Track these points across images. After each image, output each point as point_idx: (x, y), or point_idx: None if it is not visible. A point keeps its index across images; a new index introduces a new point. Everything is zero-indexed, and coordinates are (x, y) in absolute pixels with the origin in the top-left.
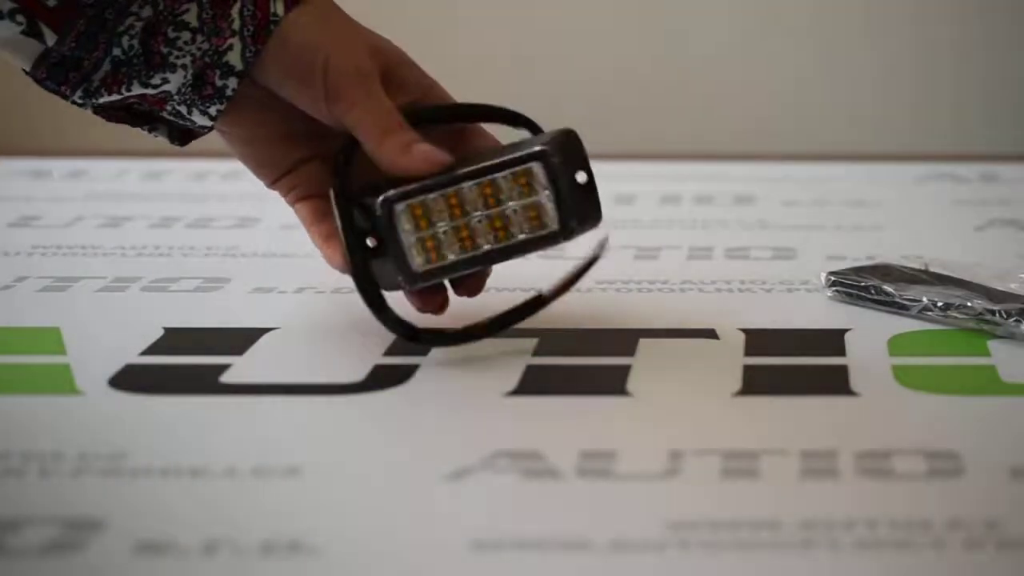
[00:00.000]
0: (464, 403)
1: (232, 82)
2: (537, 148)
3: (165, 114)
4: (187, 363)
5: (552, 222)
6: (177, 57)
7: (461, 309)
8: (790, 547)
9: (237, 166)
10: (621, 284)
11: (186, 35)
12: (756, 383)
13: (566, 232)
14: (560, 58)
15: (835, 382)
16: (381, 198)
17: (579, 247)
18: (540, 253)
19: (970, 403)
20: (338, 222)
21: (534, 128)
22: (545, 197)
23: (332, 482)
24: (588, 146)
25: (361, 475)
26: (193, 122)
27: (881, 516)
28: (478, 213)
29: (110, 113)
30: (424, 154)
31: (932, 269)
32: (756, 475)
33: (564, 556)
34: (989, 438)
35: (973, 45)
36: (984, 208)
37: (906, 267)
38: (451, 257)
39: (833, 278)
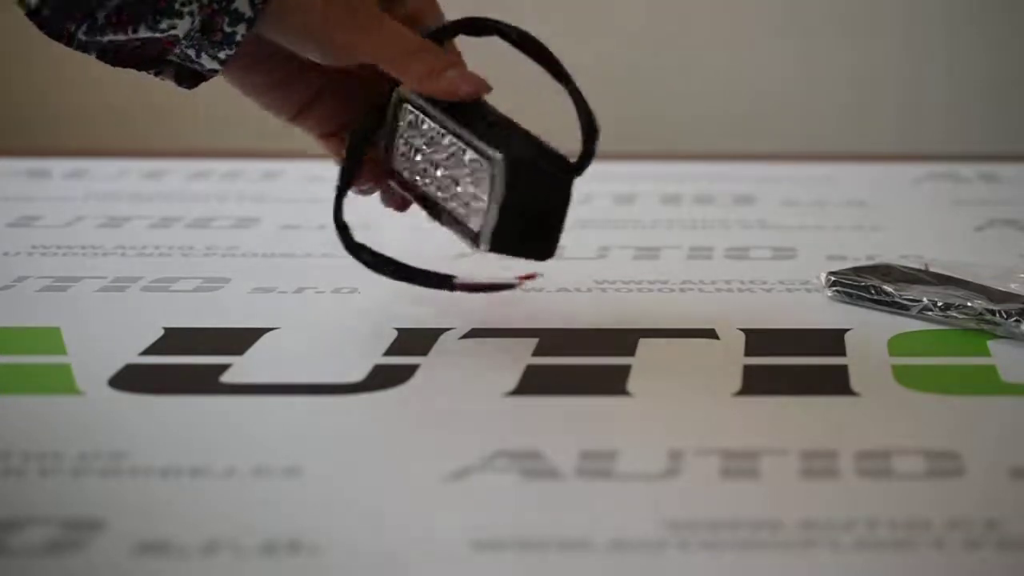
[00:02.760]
0: (464, 403)
1: (241, 28)
2: (498, 154)
3: (173, 56)
4: (187, 363)
5: (473, 223)
6: (183, 4)
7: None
8: (790, 547)
9: (237, 166)
10: (621, 284)
11: None
12: (756, 383)
13: (476, 241)
14: (560, 58)
15: (835, 382)
16: (398, 89)
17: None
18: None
19: (970, 403)
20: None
21: (579, 98)
22: (480, 197)
23: (332, 482)
24: None
25: (361, 475)
26: (202, 65)
27: (881, 516)
28: (441, 163)
29: (114, 56)
30: (459, 78)
31: (932, 269)
32: (756, 475)
33: (564, 556)
34: (989, 438)
35: (973, 45)
36: (984, 208)
37: (906, 267)
38: (415, 178)
39: (833, 278)
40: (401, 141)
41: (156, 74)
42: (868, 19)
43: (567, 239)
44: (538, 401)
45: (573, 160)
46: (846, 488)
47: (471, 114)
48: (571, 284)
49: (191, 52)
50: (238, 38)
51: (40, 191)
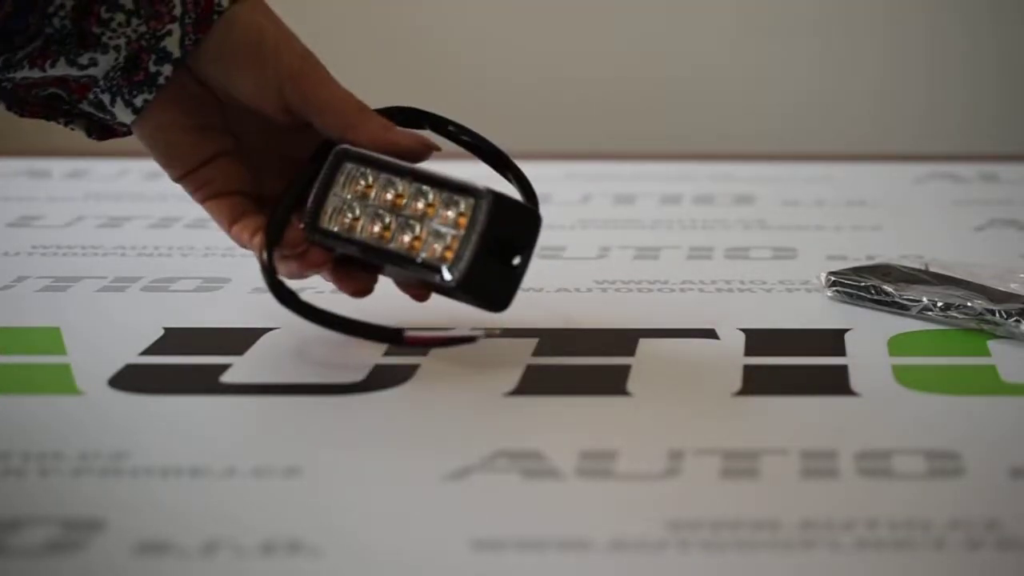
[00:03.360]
0: (464, 403)
1: (167, 69)
2: (484, 189)
3: (86, 104)
4: (187, 363)
5: (442, 262)
6: (111, 38)
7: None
8: (790, 547)
9: None
10: (621, 284)
11: (120, 16)
12: (756, 383)
13: (444, 283)
14: (560, 58)
15: (835, 382)
16: (340, 147)
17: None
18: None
19: (970, 403)
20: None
21: (521, 179)
22: (454, 234)
23: (332, 482)
24: (588, 146)
25: (361, 475)
26: (114, 115)
27: (881, 516)
28: (388, 207)
29: (24, 106)
30: (410, 136)
31: (932, 269)
32: (756, 475)
33: (564, 556)
34: (989, 438)
35: (973, 45)
36: (984, 208)
37: (906, 267)
38: (353, 235)
39: (833, 278)
40: (335, 198)
41: (66, 123)
42: (868, 22)
43: (567, 239)
44: (538, 401)
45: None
46: (846, 488)
47: (416, 168)
48: (571, 284)
49: (105, 98)
50: (160, 80)
51: (40, 191)
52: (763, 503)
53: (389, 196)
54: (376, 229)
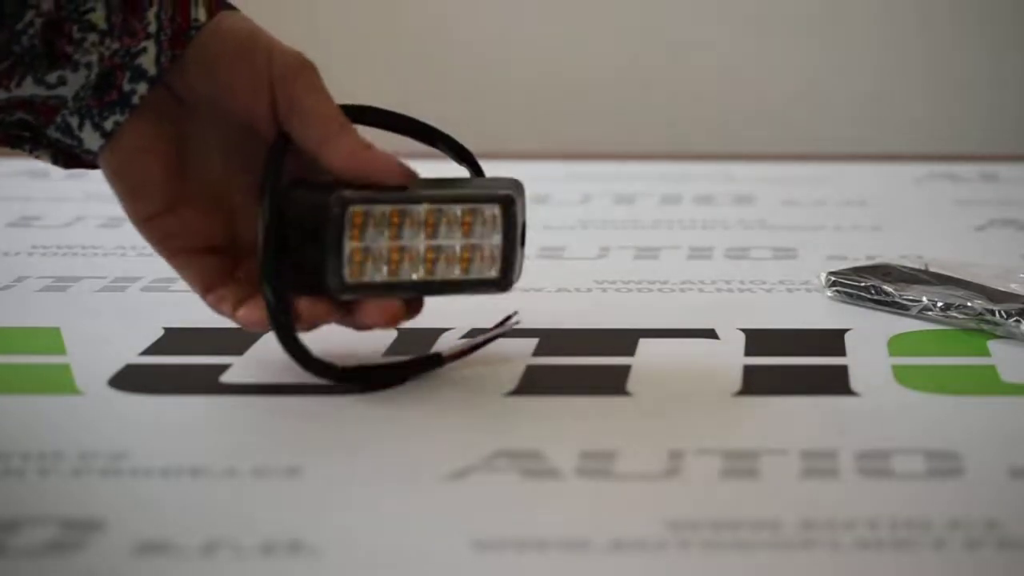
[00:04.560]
0: (464, 403)
1: (142, 87)
2: (502, 192)
3: (52, 129)
4: (187, 363)
5: (493, 269)
6: (82, 56)
7: (359, 342)
8: (790, 547)
9: None
10: (621, 284)
11: (93, 36)
12: (756, 383)
13: (504, 283)
14: (561, 58)
15: (835, 382)
16: (340, 194)
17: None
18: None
19: (970, 403)
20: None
21: (477, 169)
22: (494, 243)
23: (332, 482)
24: (588, 146)
25: (361, 475)
26: (81, 141)
27: (881, 516)
28: (420, 240)
29: None
30: (387, 159)
31: (932, 269)
32: (756, 475)
33: (564, 556)
34: (989, 438)
35: (973, 45)
36: (984, 208)
37: (906, 267)
38: (378, 278)
39: (833, 278)
40: (355, 248)
41: (31, 151)
42: (868, 21)
43: (567, 239)
44: (538, 401)
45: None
46: (846, 488)
47: (412, 186)
48: (571, 284)
49: (74, 121)
50: (135, 99)
51: (40, 191)
52: (763, 503)
53: (415, 227)
54: (418, 264)
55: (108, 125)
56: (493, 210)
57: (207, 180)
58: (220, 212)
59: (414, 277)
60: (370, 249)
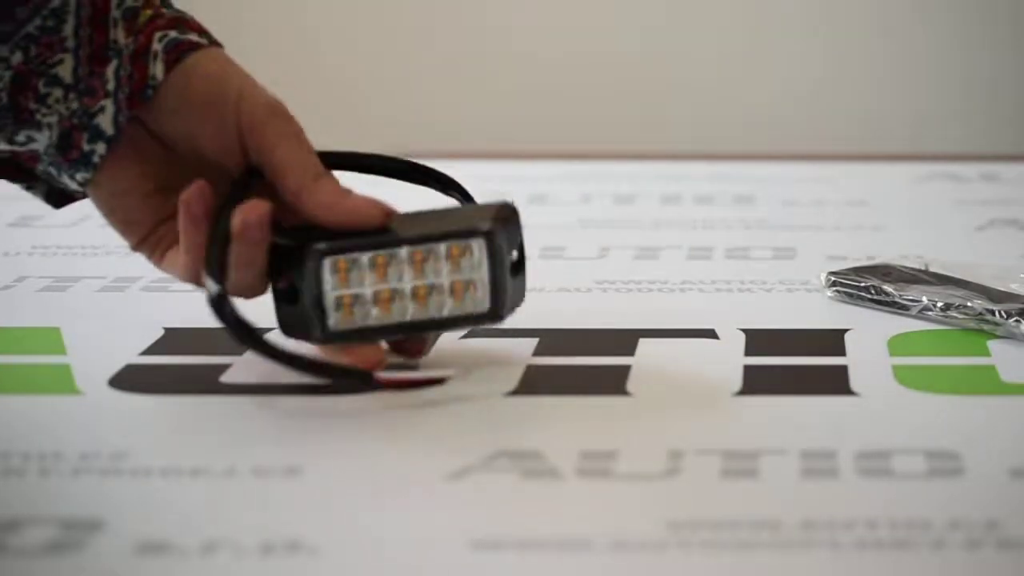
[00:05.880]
0: (464, 403)
1: (100, 148)
2: (484, 227)
3: (40, 172)
4: (187, 363)
5: (483, 303)
6: (44, 115)
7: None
8: (790, 547)
9: None
10: (621, 284)
11: (58, 92)
12: (756, 383)
13: (494, 316)
14: (560, 58)
15: (835, 382)
16: (314, 248)
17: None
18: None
19: (970, 403)
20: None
21: (466, 196)
22: (480, 276)
23: (332, 482)
24: (588, 146)
25: (361, 475)
26: (66, 185)
27: (881, 516)
28: (406, 280)
29: None
30: (366, 203)
31: (932, 269)
32: (756, 475)
33: (564, 556)
34: (989, 438)
35: (973, 45)
36: (984, 208)
37: (906, 267)
38: (370, 321)
39: (833, 278)
40: (333, 296)
41: (27, 188)
42: (868, 21)
43: (567, 239)
44: (538, 401)
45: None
46: (846, 488)
47: (394, 225)
48: (571, 284)
49: (52, 170)
50: (95, 159)
51: None
52: (763, 503)
53: (398, 269)
54: (406, 305)
55: (79, 179)
56: (476, 244)
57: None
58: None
59: (406, 318)
60: (357, 295)
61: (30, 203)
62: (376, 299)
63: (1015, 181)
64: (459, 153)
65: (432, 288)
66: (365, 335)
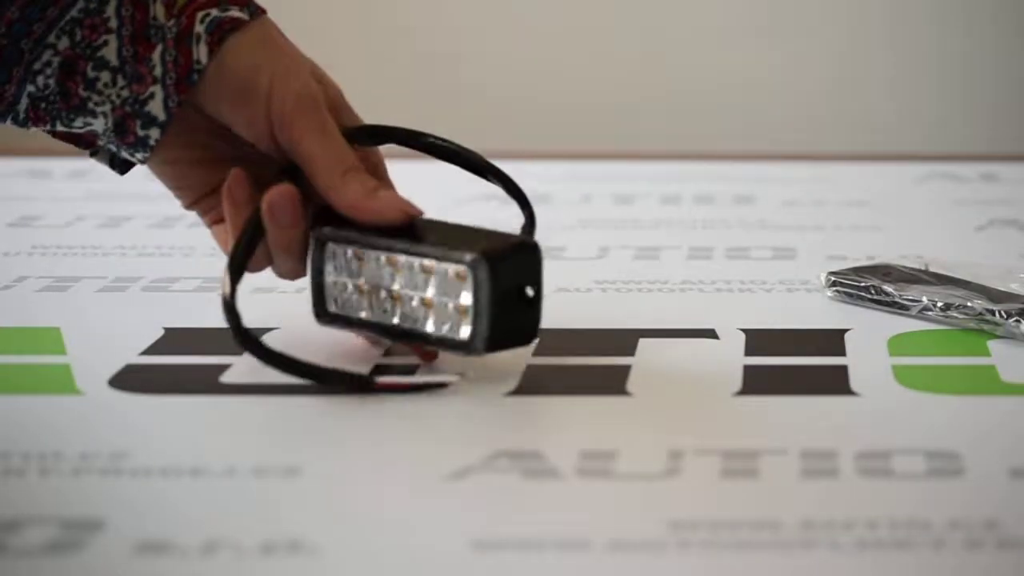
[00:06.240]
0: (464, 403)
1: (155, 133)
2: (472, 256)
3: (100, 147)
4: (187, 363)
5: (462, 332)
6: (97, 104)
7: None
8: (790, 547)
9: None
10: (621, 284)
11: (106, 76)
12: (756, 383)
13: (471, 348)
14: (561, 58)
15: (835, 382)
16: (319, 232)
17: None
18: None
19: (970, 403)
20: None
21: (509, 184)
22: (464, 304)
23: (332, 482)
24: (588, 146)
25: (361, 475)
26: (127, 157)
27: (881, 516)
28: (391, 284)
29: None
30: (392, 201)
31: (932, 269)
32: (756, 475)
33: (564, 556)
34: (989, 438)
35: (973, 46)
36: (984, 208)
37: (906, 267)
38: (361, 315)
39: (833, 278)
40: (332, 282)
41: (92, 154)
42: (868, 22)
43: (567, 239)
44: (538, 401)
45: (517, 233)
46: (846, 488)
47: (408, 230)
48: (571, 284)
49: (112, 147)
50: (151, 142)
51: (40, 191)
52: (763, 503)
53: (386, 274)
54: (386, 309)
55: (138, 157)
56: (461, 268)
57: (244, 161)
58: (259, 185)
59: (389, 322)
60: (349, 285)
61: (30, 203)
62: (364, 295)
63: (1015, 181)
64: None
65: (413, 300)
66: (356, 326)
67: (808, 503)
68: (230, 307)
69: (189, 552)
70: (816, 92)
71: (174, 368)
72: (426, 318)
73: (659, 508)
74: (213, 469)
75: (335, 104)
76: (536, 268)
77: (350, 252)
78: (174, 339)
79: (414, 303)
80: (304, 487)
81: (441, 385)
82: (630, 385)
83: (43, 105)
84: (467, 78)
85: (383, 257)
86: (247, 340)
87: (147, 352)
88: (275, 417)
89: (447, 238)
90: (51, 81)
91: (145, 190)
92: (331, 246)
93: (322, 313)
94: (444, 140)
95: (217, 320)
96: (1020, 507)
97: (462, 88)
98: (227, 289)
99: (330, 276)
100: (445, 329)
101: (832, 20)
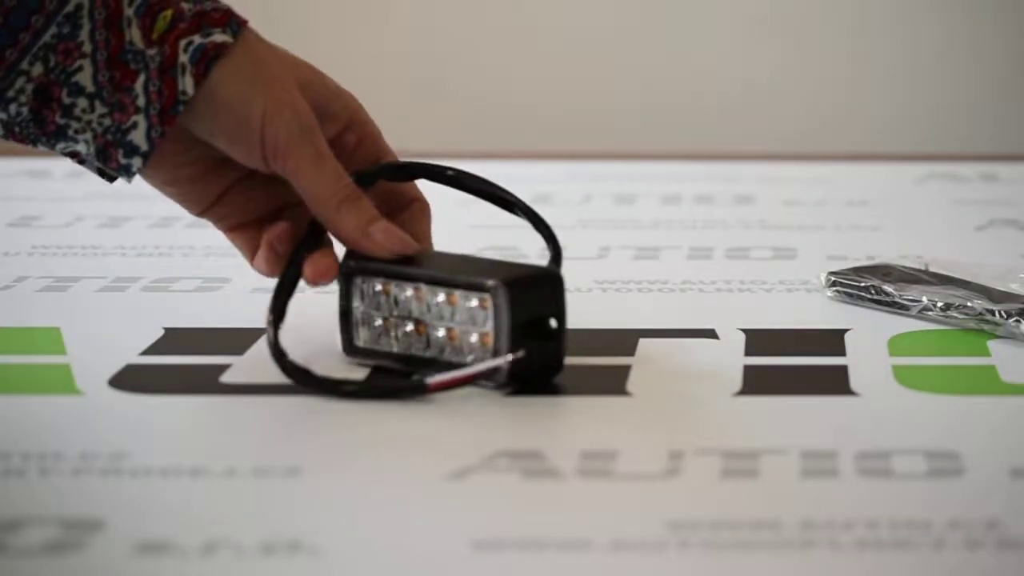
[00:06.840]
0: (464, 403)
1: (137, 162)
2: (493, 282)
3: (87, 166)
4: (187, 363)
5: (483, 359)
6: (77, 131)
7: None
8: (790, 547)
9: None
10: (621, 284)
11: (83, 102)
12: (756, 383)
13: (492, 378)
14: (561, 58)
15: (835, 382)
16: (344, 267)
17: None
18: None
19: (970, 403)
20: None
21: (535, 218)
22: (484, 331)
23: (332, 482)
24: (588, 146)
25: (361, 475)
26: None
27: (881, 516)
28: (425, 317)
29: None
30: (385, 236)
31: (932, 269)
32: (756, 475)
33: (564, 556)
34: (989, 438)
35: (973, 45)
36: (984, 208)
37: (906, 267)
38: (388, 348)
39: (833, 278)
40: (360, 315)
41: (80, 163)
42: (869, 18)
43: (567, 239)
44: (539, 401)
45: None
46: (846, 488)
47: (433, 261)
48: (571, 284)
49: (99, 166)
50: (133, 170)
51: (40, 191)
52: (763, 503)
53: (412, 306)
54: (412, 341)
55: (125, 178)
56: (481, 298)
57: (235, 177)
58: (264, 185)
59: (412, 352)
60: (375, 317)
61: (30, 203)
62: (392, 327)
63: (1015, 181)
64: (460, 153)
65: (439, 330)
66: (384, 359)
67: (808, 503)
68: (275, 348)
69: (189, 552)
70: (816, 92)
71: (174, 368)
72: (452, 349)
73: (659, 508)
74: (213, 469)
75: (323, 103)
76: (560, 299)
77: (378, 286)
78: (174, 339)
79: (439, 333)
80: (304, 487)
81: (491, 372)
82: (630, 385)
83: (17, 130)
84: (467, 78)
85: (409, 289)
86: (297, 375)
87: (147, 352)
88: (275, 417)
89: (471, 269)
90: (23, 109)
91: (145, 190)
92: (358, 281)
93: (350, 348)
94: (469, 174)
95: (217, 320)
96: (1020, 507)
97: (462, 89)
98: (271, 335)
99: (358, 310)
100: (470, 360)
101: (832, 20)
